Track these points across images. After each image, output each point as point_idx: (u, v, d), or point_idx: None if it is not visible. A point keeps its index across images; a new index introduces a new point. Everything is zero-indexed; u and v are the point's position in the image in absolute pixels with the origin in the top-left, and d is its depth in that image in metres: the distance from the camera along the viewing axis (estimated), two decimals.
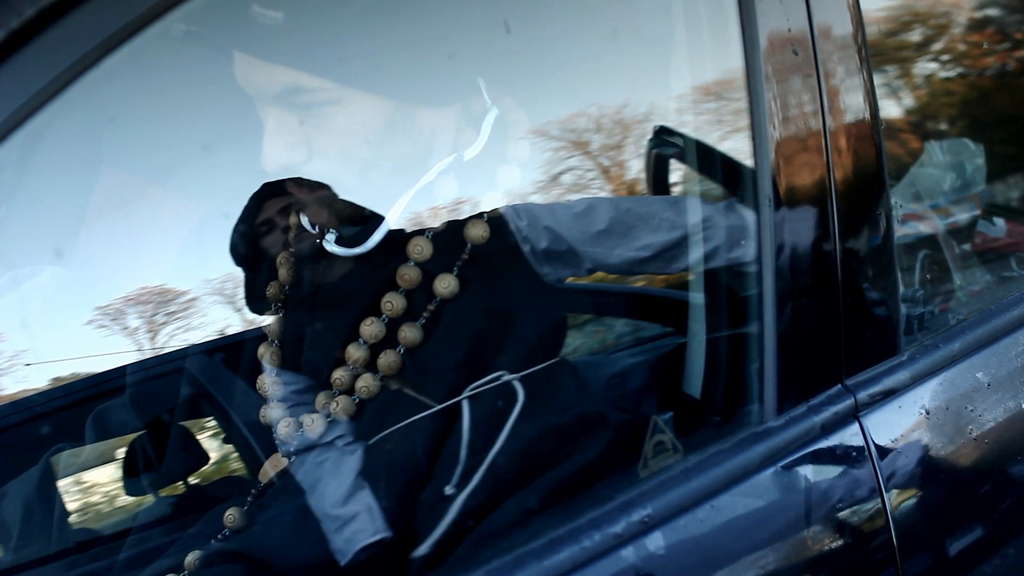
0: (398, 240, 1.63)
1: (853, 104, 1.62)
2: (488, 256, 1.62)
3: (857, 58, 1.61)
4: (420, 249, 1.62)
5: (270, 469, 1.70)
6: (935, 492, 1.69)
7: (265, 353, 1.71)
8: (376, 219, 1.63)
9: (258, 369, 1.72)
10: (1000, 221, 2.53)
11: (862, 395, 1.63)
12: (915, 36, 2.67)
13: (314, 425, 1.64)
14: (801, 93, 1.56)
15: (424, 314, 1.61)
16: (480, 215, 1.63)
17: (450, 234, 1.63)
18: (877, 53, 1.92)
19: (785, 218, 1.55)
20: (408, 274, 1.61)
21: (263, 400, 1.71)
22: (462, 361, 1.56)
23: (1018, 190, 2.73)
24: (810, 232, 1.59)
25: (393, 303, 1.61)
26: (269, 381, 1.70)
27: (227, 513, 1.69)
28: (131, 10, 1.14)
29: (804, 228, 1.59)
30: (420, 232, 1.62)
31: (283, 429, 1.67)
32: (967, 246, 2.48)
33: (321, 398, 1.65)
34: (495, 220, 1.63)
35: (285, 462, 1.69)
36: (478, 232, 1.62)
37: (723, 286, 1.57)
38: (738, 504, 1.51)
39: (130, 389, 1.99)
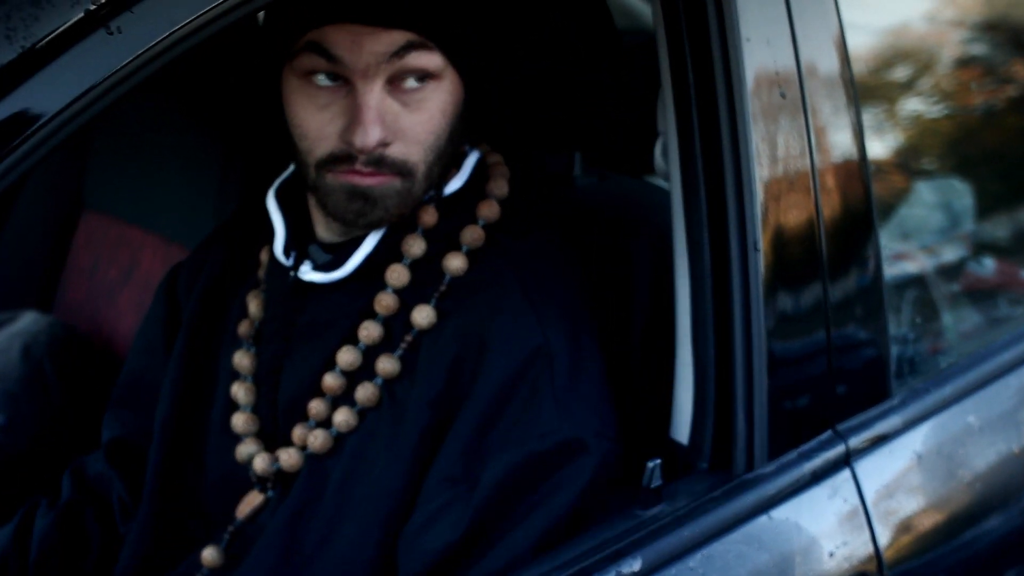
0: (375, 266, 1.61)
1: (841, 143, 1.61)
2: (466, 288, 1.60)
3: (845, 96, 1.61)
4: (398, 276, 1.60)
5: (246, 507, 1.68)
6: (927, 538, 1.69)
7: (239, 390, 1.69)
8: (351, 244, 1.61)
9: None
10: (989, 261, 2.53)
11: (853, 441, 1.62)
12: (901, 74, 2.67)
13: (291, 460, 1.62)
14: (788, 132, 1.55)
15: (402, 345, 1.59)
16: (459, 247, 1.61)
17: (428, 263, 1.61)
18: (863, 92, 1.92)
19: (773, 260, 1.54)
20: (385, 301, 1.59)
21: (238, 438, 1.68)
22: (437, 396, 1.54)
23: (1006, 229, 2.73)
24: (799, 274, 1.59)
25: (369, 331, 1.59)
26: (243, 418, 1.68)
27: (205, 552, 1.66)
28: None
29: (792, 270, 1.58)
30: (398, 259, 1.61)
31: (259, 465, 1.65)
32: (956, 286, 2.48)
33: (298, 431, 1.63)
34: (474, 253, 1.61)
35: (261, 498, 1.66)
36: (456, 264, 1.60)
37: (711, 332, 1.56)
38: (729, 553, 1.50)
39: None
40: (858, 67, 1.68)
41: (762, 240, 1.53)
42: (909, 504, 1.67)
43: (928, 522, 1.69)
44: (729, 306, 1.55)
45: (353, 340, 1.60)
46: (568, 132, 1.89)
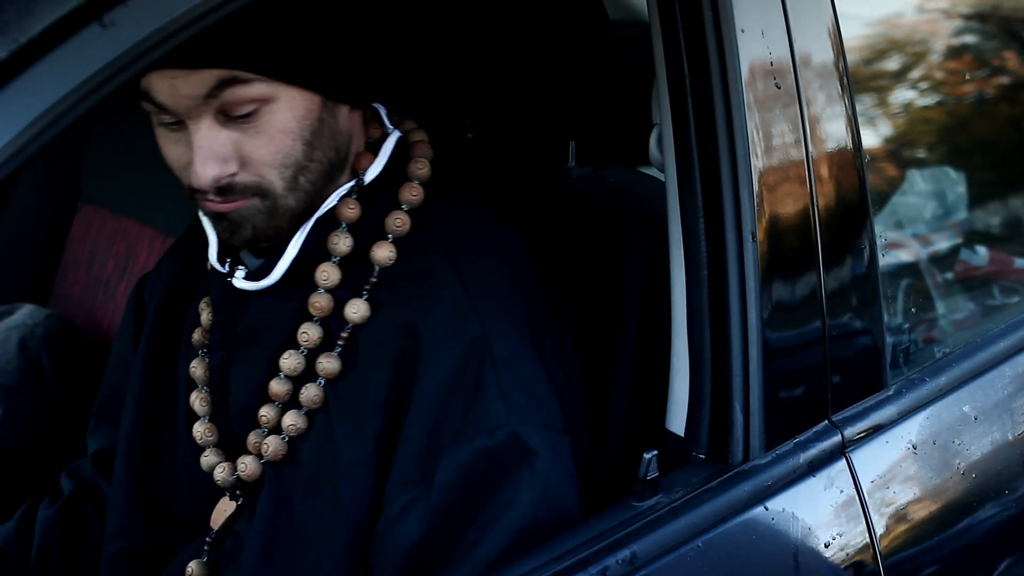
0: (305, 266, 1.58)
1: (836, 133, 1.61)
2: (400, 278, 1.57)
3: (839, 86, 1.61)
4: (327, 276, 1.57)
5: (220, 516, 1.68)
6: (923, 527, 1.69)
7: (195, 400, 1.68)
8: (280, 248, 1.58)
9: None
10: (982, 249, 2.53)
11: (849, 431, 1.62)
12: (895, 64, 2.67)
13: (248, 470, 1.61)
14: (783, 122, 1.55)
15: (339, 342, 1.57)
16: (385, 236, 1.58)
17: (358, 256, 1.58)
18: (857, 82, 1.93)
19: (768, 250, 1.54)
20: (318, 302, 1.57)
21: (200, 448, 1.67)
22: (386, 399, 1.52)
23: (999, 217, 2.74)
24: (794, 263, 1.59)
25: (308, 333, 1.57)
26: (203, 428, 1.67)
27: (188, 567, 1.66)
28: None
29: (788, 259, 1.58)
30: (326, 258, 1.58)
31: (219, 475, 1.64)
32: (949, 274, 2.48)
33: (252, 438, 1.61)
34: (405, 241, 1.58)
35: (234, 506, 1.66)
36: (384, 253, 1.57)
37: (706, 322, 1.56)
38: (725, 544, 1.50)
39: None
40: (852, 57, 1.68)
41: (758, 230, 1.53)
42: (905, 494, 1.67)
43: (924, 512, 1.69)
44: (725, 296, 1.55)
45: (294, 344, 1.58)
46: (563, 122, 1.89)
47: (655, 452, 1.50)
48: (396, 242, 1.58)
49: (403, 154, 1.62)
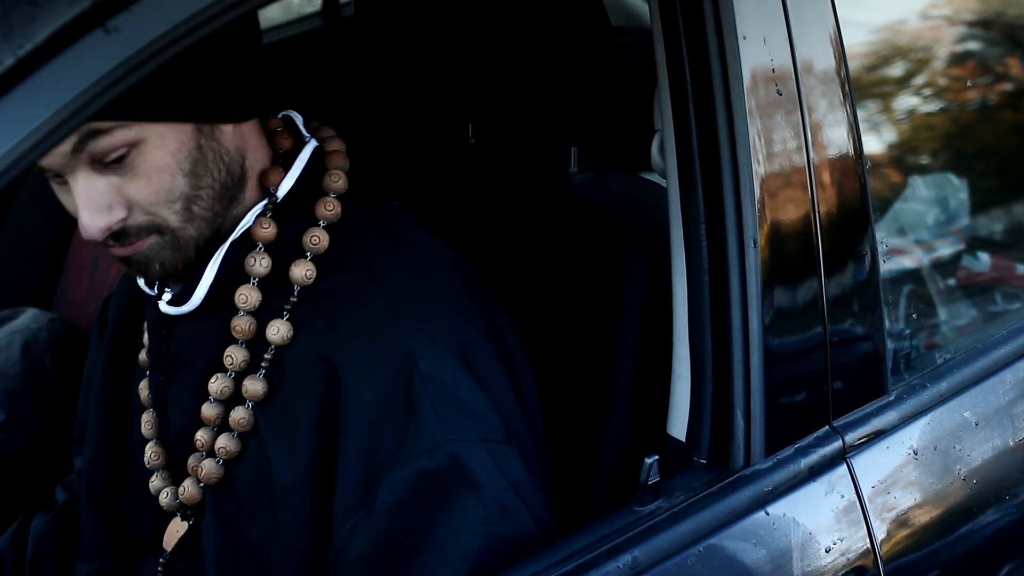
0: (226, 289, 1.53)
1: (837, 139, 1.61)
2: (322, 297, 1.53)
3: (840, 93, 1.61)
4: (245, 298, 1.52)
5: (171, 537, 1.66)
6: (924, 533, 1.69)
7: (144, 422, 1.66)
8: (200, 273, 1.54)
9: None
10: (984, 255, 2.53)
11: (850, 436, 1.62)
12: (896, 71, 2.68)
13: (186, 493, 1.59)
14: (785, 129, 1.55)
15: (262, 364, 1.53)
16: (303, 254, 1.54)
17: (278, 276, 1.53)
18: (859, 89, 1.93)
19: (769, 256, 1.54)
20: (239, 325, 1.53)
21: (150, 471, 1.66)
22: (317, 423, 1.49)
23: (1002, 224, 2.74)
24: (795, 269, 1.59)
25: (233, 356, 1.54)
26: (151, 451, 1.65)
27: None
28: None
29: (789, 265, 1.58)
30: (245, 280, 1.53)
31: (163, 500, 1.63)
32: (951, 281, 2.48)
33: (191, 461, 1.59)
34: (325, 258, 1.54)
35: (185, 527, 1.64)
36: (301, 272, 1.52)
37: (708, 328, 1.56)
38: (726, 549, 1.50)
39: None
40: (854, 64, 1.68)
41: (759, 236, 1.53)
42: (905, 499, 1.67)
43: (924, 517, 1.69)
44: (726, 302, 1.55)
45: (222, 367, 1.55)
46: (565, 128, 1.89)
47: (656, 457, 1.50)
48: (315, 260, 1.53)
49: (320, 165, 1.57)
